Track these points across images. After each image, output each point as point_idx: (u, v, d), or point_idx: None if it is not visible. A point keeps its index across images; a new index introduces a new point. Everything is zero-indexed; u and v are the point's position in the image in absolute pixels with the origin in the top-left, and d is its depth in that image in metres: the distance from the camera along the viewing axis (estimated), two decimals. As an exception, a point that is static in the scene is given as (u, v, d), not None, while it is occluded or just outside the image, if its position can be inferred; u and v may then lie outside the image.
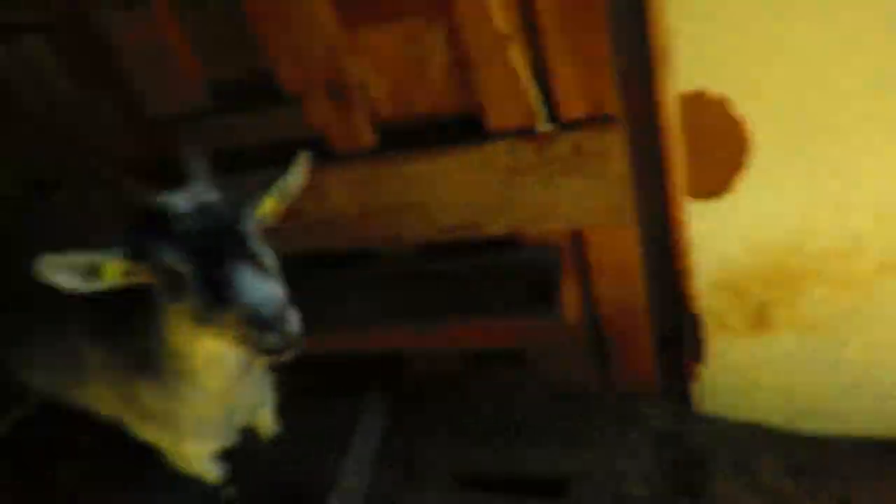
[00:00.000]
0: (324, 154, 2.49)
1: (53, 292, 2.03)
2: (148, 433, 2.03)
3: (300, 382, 3.07)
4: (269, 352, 1.41)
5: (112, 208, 2.81)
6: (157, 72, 2.58)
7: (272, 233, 2.74)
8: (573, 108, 2.05)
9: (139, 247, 1.50)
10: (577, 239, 2.43)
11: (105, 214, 2.64)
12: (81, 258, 1.47)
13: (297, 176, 1.74)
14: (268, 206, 1.68)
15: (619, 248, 2.35)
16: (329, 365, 3.16)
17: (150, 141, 2.74)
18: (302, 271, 2.94)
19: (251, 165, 2.60)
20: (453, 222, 2.47)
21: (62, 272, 1.47)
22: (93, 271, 1.51)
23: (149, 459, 2.73)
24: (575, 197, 2.22)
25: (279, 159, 2.60)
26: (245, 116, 2.56)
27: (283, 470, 2.57)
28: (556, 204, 2.26)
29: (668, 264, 2.37)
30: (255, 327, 1.37)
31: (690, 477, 2.39)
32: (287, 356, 1.44)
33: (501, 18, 1.88)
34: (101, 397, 2.03)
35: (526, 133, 2.15)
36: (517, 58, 1.95)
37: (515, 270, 2.57)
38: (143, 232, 1.49)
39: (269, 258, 1.56)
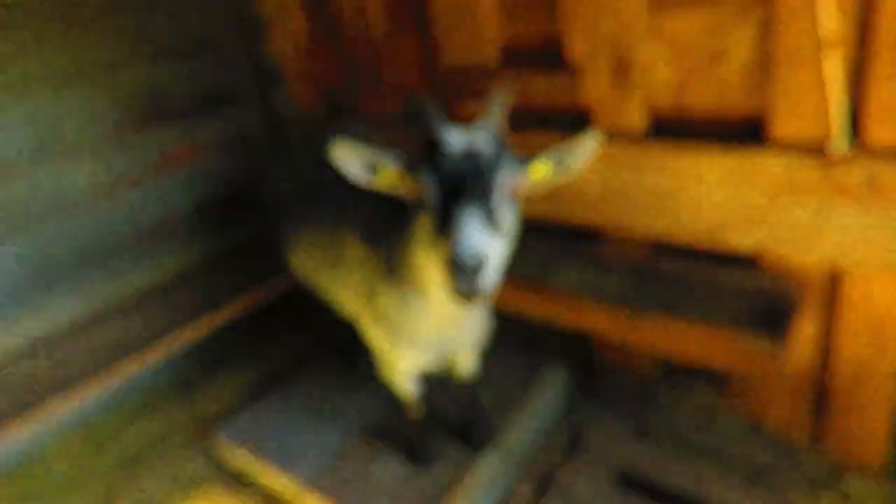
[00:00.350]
0: (582, 127, 2.57)
1: (338, 194, 2.39)
2: (373, 336, 2.27)
3: (498, 334, 3.27)
4: (456, 294, 1.55)
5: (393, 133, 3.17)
6: (460, 26, 2.83)
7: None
8: (882, 133, 1.88)
9: (412, 163, 1.74)
10: (832, 278, 2.24)
11: (386, 137, 2.98)
12: (368, 152, 1.75)
13: (582, 152, 1.78)
14: (538, 171, 1.78)
15: (884, 303, 2.12)
16: (524, 326, 3.28)
17: (440, 85, 3.03)
18: (527, 233, 3.09)
19: (515, 125, 2.76)
20: (697, 226, 2.41)
21: (349, 157, 1.75)
22: (373, 168, 1.78)
23: (361, 368, 3.15)
24: (849, 233, 2.05)
25: (546, 124, 2.77)
26: (527, 78, 2.71)
27: (458, 411, 2.74)
28: (823, 235, 2.10)
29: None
30: (453, 267, 1.55)
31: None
32: (470, 303, 1.57)
33: (830, 23, 1.78)
34: (348, 292, 2.34)
35: (812, 151, 2.02)
36: (833, 68, 1.83)
37: (747, 291, 2.44)
38: (421, 153, 1.72)
39: (506, 216, 1.67)
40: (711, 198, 2.32)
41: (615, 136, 2.51)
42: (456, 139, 1.67)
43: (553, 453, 2.74)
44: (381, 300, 2.11)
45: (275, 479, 2.75)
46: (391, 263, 2.06)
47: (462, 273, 1.51)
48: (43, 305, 3.11)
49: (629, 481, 2.61)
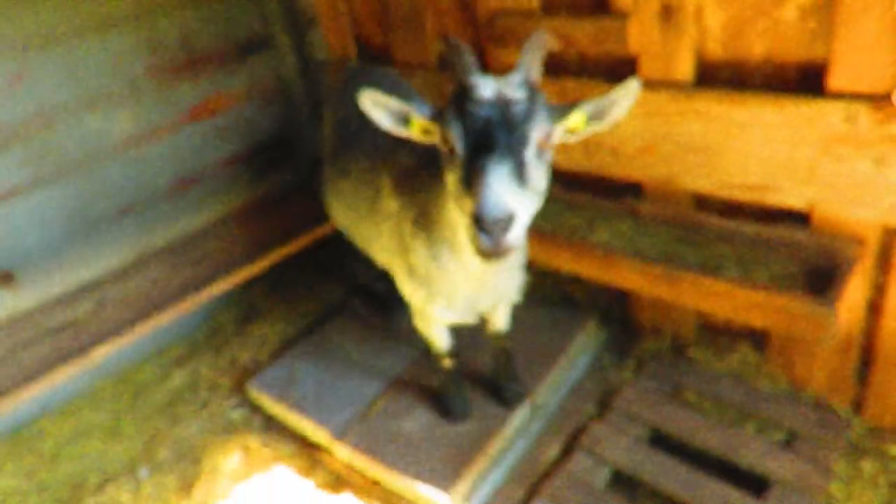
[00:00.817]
0: (625, 76, 2.45)
1: (375, 142, 2.34)
2: (406, 287, 2.24)
3: (531, 289, 3.22)
4: (480, 251, 1.48)
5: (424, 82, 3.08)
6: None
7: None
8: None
9: (440, 112, 1.66)
10: (888, 236, 2.12)
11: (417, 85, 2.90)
12: (396, 103, 1.68)
13: (621, 101, 1.66)
14: (574, 121, 1.67)
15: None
16: (561, 282, 3.23)
17: (480, 31, 2.91)
18: (562, 187, 3.01)
19: (555, 72, 2.65)
20: (743, 180, 2.30)
21: (378, 108, 1.69)
22: (402, 118, 1.72)
23: (397, 319, 3.15)
24: (908, 187, 1.92)
25: (588, 72, 2.65)
26: (570, 23, 2.58)
27: (490, 366, 2.73)
28: (882, 190, 1.98)
29: None
30: (477, 224, 1.43)
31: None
32: (493, 260, 1.50)
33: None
34: (382, 243, 2.31)
35: (875, 101, 1.88)
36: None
37: (795, 250, 2.33)
38: (450, 101, 1.62)
39: (536, 169, 1.57)
40: (762, 151, 2.20)
41: (660, 85, 2.39)
42: (486, 86, 1.57)
43: (584, 410, 2.72)
44: (413, 253, 2.08)
45: (307, 428, 2.80)
46: (423, 217, 2.01)
47: (486, 231, 1.43)
48: (84, 253, 3.17)
49: (661, 441, 2.58)
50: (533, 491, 2.42)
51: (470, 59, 1.67)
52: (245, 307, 3.78)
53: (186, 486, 2.78)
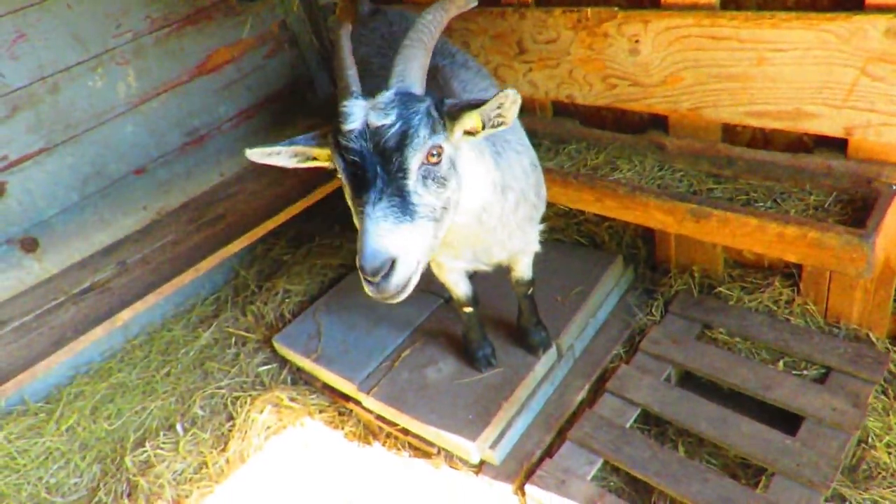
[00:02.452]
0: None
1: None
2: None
3: (554, 227, 3.15)
4: (372, 295, 1.41)
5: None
6: None
7: (563, 80, 2.64)
8: None
9: (326, 138, 1.55)
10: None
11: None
12: (283, 148, 1.59)
13: (504, 111, 1.49)
14: (470, 124, 1.53)
15: None
16: (583, 222, 3.15)
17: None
18: (582, 124, 2.89)
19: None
20: (775, 107, 2.16)
21: (273, 158, 1.59)
22: (304, 156, 1.63)
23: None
24: (956, 106, 1.78)
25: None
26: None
27: (515, 312, 2.69)
28: (926, 110, 1.84)
29: None
30: (361, 272, 1.37)
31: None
32: (388, 301, 1.43)
33: None
34: None
35: (921, 12, 1.73)
36: None
37: (831, 180, 2.21)
38: (332, 126, 1.51)
39: (428, 192, 1.46)
40: (794, 75, 2.05)
41: (684, 8, 2.23)
42: (354, 115, 1.45)
43: (612, 352, 2.68)
44: None
45: (334, 381, 2.82)
46: None
47: (368, 281, 1.37)
48: (102, 217, 3.18)
49: (691, 380, 2.54)
50: (561, 434, 2.42)
51: (347, 75, 1.57)
52: (268, 263, 3.78)
53: (222, 440, 2.85)
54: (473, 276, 2.45)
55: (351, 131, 1.44)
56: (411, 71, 1.54)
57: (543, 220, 2.25)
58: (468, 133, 1.56)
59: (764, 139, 2.45)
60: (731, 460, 2.25)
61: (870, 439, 2.15)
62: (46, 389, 3.20)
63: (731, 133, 2.50)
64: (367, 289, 1.41)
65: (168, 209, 3.31)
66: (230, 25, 3.43)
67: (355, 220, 1.49)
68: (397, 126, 1.43)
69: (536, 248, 2.27)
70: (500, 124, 1.52)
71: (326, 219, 3.88)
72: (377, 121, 1.43)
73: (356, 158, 1.43)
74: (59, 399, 3.13)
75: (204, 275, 3.24)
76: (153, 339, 3.42)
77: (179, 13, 3.22)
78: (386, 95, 1.47)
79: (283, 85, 3.73)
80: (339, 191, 3.39)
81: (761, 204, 2.27)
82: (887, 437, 2.14)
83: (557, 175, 2.61)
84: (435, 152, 1.48)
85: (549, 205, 3.03)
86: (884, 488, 2.03)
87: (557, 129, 2.92)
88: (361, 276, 1.38)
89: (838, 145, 2.19)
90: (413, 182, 1.44)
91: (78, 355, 3.03)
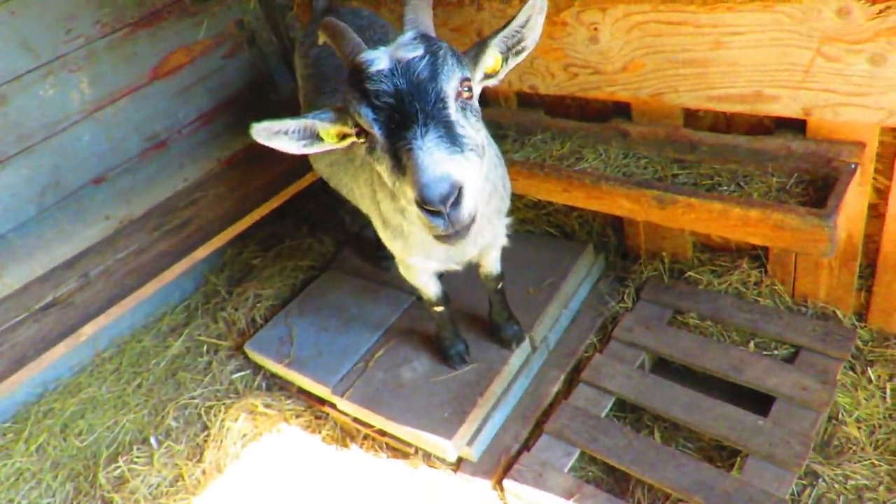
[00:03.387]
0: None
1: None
2: (386, 238, 2.15)
3: (523, 219, 3.14)
4: (439, 237, 1.34)
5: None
6: None
7: (525, 70, 2.63)
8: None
9: (343, 107, 1.48)
10: (890, 138, 2.01)
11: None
12: (292, 122, 1.49)
13: (532, 21, 1.47)
14: (489, 63, 1.50)
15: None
16: (551, 213, 3.14)
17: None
18: (546, 115, 2.87)
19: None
20: (735, 91, 2.16)
21: (279, 137, 1.50)
22: (311, 134, 1.53)
23: (387, 265, 3.07)
24: (911, 83, 1.79)
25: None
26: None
27: (486, 307, 2.67)
28: (880, 88, 1.85)
29: None
30: (424, 209, 1.28)
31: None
32: (457, 242, 1.35)
33: None
34: (360, 193, 2.20)
35: (872, -9, 1.73)
36: None
37: (792, 161, 2.22)
38: (348, 88, 1.45)
39: (467, 126, 1.41)
40: (752, 58, 2.05)
41: (640, -6, 2.22)
42: (379, 57, 1.40)
43: (585, 342, 2.68)
44: (383, 204, 1.98)
45: (309, 385, 2.79)
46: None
47: (437, 213, 1.28)
48: (62, 229, 3.09)
49: (664, 366, 2.56)
50: (538, 427, 2.41)
51: (353, 37, 1.52)
52: (238, 267, 3.72)
53: (198, 451, 2.81)
54: (443, 275, 2.43)
55: (380, 71, 1.39)
56: (423, 18, 1.52)
57: (510, 213, 2.23)
58: (487, 76, 1.54)
59: (726, 123, 2.45)
60: (706, 444, 2.27)
61: (840, 415, 2.18)
62: (14, 408, 3.13)
63: (693, 118, 2.50)
64: (435, 225, 1.31)
65: (131, 217, 3.23)
66: (185, 27, 3.34)
67: (393, 185, 1.42)
68: (427, 58, 1.39)
69: (504, 241, 2.26)
70: (520, 51, 1.50)
71: (295, 219, 3.83)
72: (407, 54, 1.40)
73: (390, 99, 1.37)
74: (28, 417, 3.06)
75: (173, 283, 3.17)
76: (123, 351, 3.35)
77: (131, 16, 3.13)
78: (406, 36, 1.45)
79: (244, 85, 3.65)
80: (307, 190, 3.38)
81: (725, 188, 2.28)
82: (856, 412, 2.17)
83: (524, 167, 2.59)
84: (466, 87, 1.45)
85: (519, 196, 3.03)
86: (854, 462, 2.07)
87: (523, 119, 2.90)
88: (424, 213, 1.29)
89: (798, 127, 2.20)
90: (454, 112, 1.40)
91: (46, 371, 2.95)
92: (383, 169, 1.45)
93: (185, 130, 3.49)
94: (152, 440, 2.88)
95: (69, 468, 2.84)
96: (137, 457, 2.81)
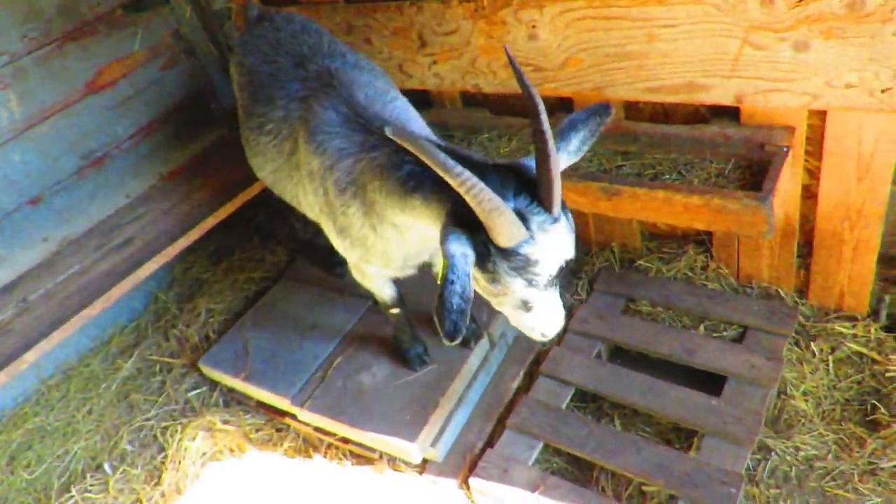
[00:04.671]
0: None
1: (287, 94, 2.16)
2: (339, 245, 2.12)
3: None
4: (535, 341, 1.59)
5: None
6: None
7: (467, 70, 2.63)
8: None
9: (484, 261, 1.49)
10: (817, 121, 2.10)
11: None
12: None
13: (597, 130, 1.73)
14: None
15: (874, 140, 1.98)
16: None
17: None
18: (492, 114, 2.90)
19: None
20: (670, 81, 2.23)
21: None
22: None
23: (340, 271, 3.02)
24: (831, 69, 1.88)
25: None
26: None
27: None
28: (804, 73, 1.93)
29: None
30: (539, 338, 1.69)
31: (874, 412, 2.14)
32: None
33: None
34: (308, 200, 2.15)
35: (792, -19, 1.81)
36: None
37: (729, 147, 2.30)
38: (504, 262, 1.48)
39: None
40: (685, 49, 2.12)
41: (575, -9, 2.26)
42: (550, 254, 1.49)
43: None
44: (345, 218, 1.95)
45: (267, 398, 2.74)
46: (359, 189, 1.86)
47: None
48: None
49: (621, 354, 2.61)
50: (500, 423, 2.43)
51: (462, 170, 1.38)
52: (188, 283, 3.63)
53: (155, 474, 2.72)
54: (397, 279, 2.42)
55: (539, 262, 1.48)
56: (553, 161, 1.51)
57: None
58: None
59: (664, 113, 2.52)
60: (664, 427, 2.32)
61: (788, 389, 2.27)
62: (-44, 444, 2.97)
63: (633, 110, 2.57)
64: (539, 340, 1.78)
65: (71, 238, 3.11)
66: (118, 39, 3.24)
67: (498, 302, 1.63)
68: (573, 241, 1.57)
69: None
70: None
71: (245, 230, 3.75)
72: (569, 253, 1.55)
73: (549, 280, 1.54)
74: (-28, 452, 2.92)
75: (121, 303, 3.07)
76: (70, 376, 3.22)
77: (59, 30, 3.02)
78: (566, 219, 1.54)
79: (184, 96, 3.56)
80: (256, 199, 3.31)
81: (668, 176, 2.34)
82: (803, 386, 2.26)
83: (471, 166, 2.60)
84: None
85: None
86: (804, 434, 2.15)
87: (468, 119, 2.92)
88: (535, 336, 1.68)
89: (732, 114, 2.28)
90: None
91: (-12, 404, 2.82)
92: (500, 298, 1.61)
93: (124, 145, 3.38)
94: (106, 466, 2.78)
95: (18, 503, 2.71)
96: (91, 485, 2.71)
